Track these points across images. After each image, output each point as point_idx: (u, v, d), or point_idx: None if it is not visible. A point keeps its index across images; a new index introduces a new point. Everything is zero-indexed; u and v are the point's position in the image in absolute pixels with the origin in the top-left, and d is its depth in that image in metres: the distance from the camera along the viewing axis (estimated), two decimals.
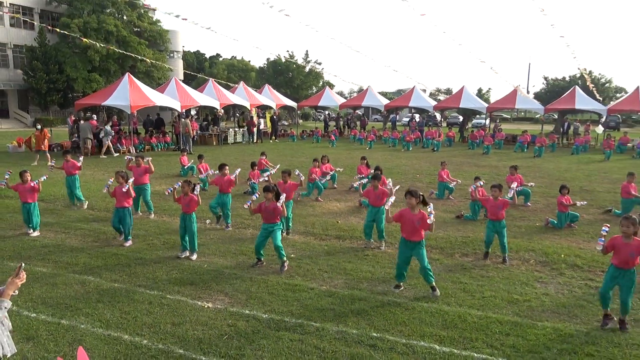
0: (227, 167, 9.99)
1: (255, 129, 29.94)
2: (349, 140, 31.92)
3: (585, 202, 11.30)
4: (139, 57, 40.37)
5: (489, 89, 77.83)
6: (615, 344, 5.32)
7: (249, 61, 68.52)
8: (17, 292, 3.56)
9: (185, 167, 16.35)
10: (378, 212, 8.59)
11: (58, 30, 30.49)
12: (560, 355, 5.10)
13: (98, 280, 7.00)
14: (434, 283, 6.61)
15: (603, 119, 32.61)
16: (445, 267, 7.71)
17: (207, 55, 74.03)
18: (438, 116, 42.91)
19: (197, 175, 15.02)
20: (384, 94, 51.46)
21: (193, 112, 32.85)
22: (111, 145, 22.68)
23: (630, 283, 5.60)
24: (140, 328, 5.56)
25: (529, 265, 7.92)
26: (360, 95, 38.58)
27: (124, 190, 8.62)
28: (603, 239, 5.73)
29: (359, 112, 43.64)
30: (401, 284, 6.85)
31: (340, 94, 61.38)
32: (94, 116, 25.84)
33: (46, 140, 19.31)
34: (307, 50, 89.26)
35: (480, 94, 51.62)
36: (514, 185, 8.66)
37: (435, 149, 26.32)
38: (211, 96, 27.71)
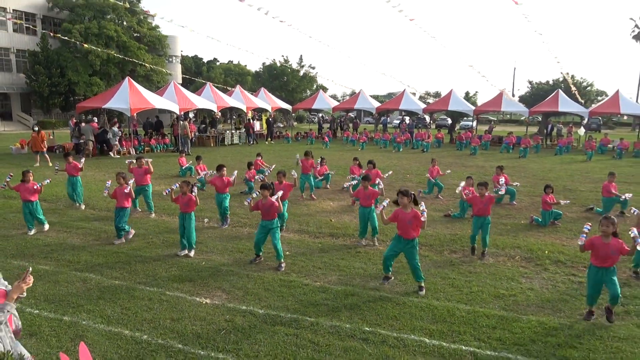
0: (224, 168, 9.96)
1: (252, 131, 29.91)
2: (342, 141, 31.93)
3: (569, 201, 11.36)
4: (139, 62, 40.17)
5: (476, 92, 78.14)
6: (597, 337, 5.36)
7: (245, 65, 68.42)
8: (24, 294, 3.48)
9: (183, 168, 16.28)
10: (370, 211, 8.61)
11: (60, 36, 30.26)
12: (545, 347, 5.12)
13: (99, 277, 6.96)
14: (422, 283, 6.62)
15: (585, 121, 32.84)
16: (434, 264, 7.73)
17: (205, 60, 73.82)
18: (427, 118, 42.94)
19: (195, 175, 14.96)
20: (376, 97, 51.55)
21: (191, 115, 32.75)
22: (119, 146, 22.69)
23: (612, 277, 5.64)
24: (140, 324, 5.54)
25: (514, 261, 7.96)
26: (352, 98, 38.60)
27: (125, 192, 8.57)
28: (585, 235, 5.77)
29: (351, 114, 43.66)
30: (390, 275, 6.88)
31: (334, 97, 61.51)
32: (95, 119, 25.68)
33: (44, 142, 19.17)
34: (301, 55, 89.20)
35: (467, 97, 51.73)
36: (502, 180, 8.70)
37: (425, 150, 26.40)
38: (209, 99, 27.63)
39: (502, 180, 8.72)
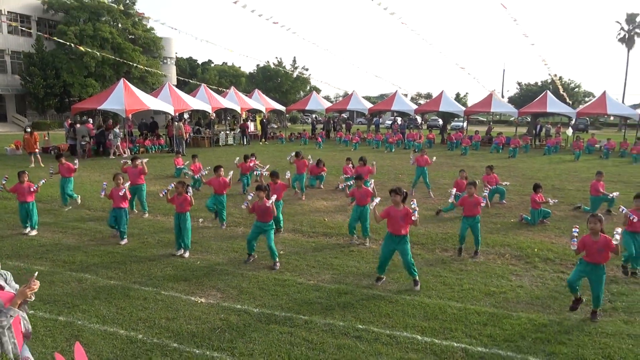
0: (222, 169, 9.92)
1: (247, 132, 29.88)
2: (334, 142, 31.93)
3: (557, 200, 11.42)
4: (133, 64, 39.94)
5: (467, 93, 78.56)
6: (586, 333, 5.39)
7: (240, 67, 68.20)
8: (32, 297, 3.38)
9: (178, 168, 16.18)
10: (363, 211, 8.62)
11: (55, 38, 30.00)
12: (535, 343, 5.15)
13: (94, 277, 6.91)
14: (417, 277, 6.65)
15: (573, 122, 33.06)
16: (426, 262, 7.75)
17: (200, 62, 73.54)
18: (419, 119, 43.05)
19: (189, 173, 14.84)
20: (368, 98, 51.63)
21: (186, 116, 32.62)
22: (120, 146, 22.64)
23: (599, 278, 5.67)
24: (135, 323, 5.50)
25: (504, 259, 7.99)
26: (345, 99, 38.60)
27: (120, 194, 8.51)
28: (575, 239, 5.78)
29: (344, 115, 43.67)
30: (382, 276, 6.89)
31: (327, 98, 61.43)
32: (90, 120, 25.51)
33: (37, 143, 19.01)
34: (294, 57, 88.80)
35: (458, 98, 51.87)
36: (486, 192, 8.61)
37: (416, 150, 26.45)
38: (203, 100, 27.53)
39: (485, 192, 8.56)
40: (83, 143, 21.91)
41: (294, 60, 58.41)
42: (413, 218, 6.39)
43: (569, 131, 31.62)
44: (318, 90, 53.72)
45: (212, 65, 71.32)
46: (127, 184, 8.89)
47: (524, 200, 12.61)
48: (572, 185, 15.36)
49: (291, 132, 38.32)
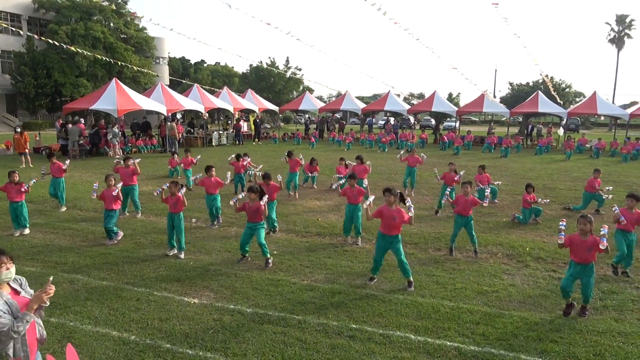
0: (213, 169, 9.89)
1: (241, 132, 29.85)
2: (328, 142, 31.94)
3: (548, 200, 11.50)
4: (125, 64, 39.69)
5: (459, 93, 78.97)
6: (577, 331, 5.44)
7: (233, 67, 68.07)
8: (48, 302, 3.33)
9: (172, 169, 16.09)
10: (355, 210, 8.62)
11: (44, 39, 29.71)
12: (527, 342, 5.18)
13: (86, 278, 6.86)
14: (411, 278, 6.67)
15: (564, 122, 33.31)
16: (419, 261, 7.77)
17: (192, 62, 73.29)
18: (412, 119, 43.19)
19: (181, 169, 14.75)
20: (361, 98, 51.67)
21: (179, 116, 32.48)
22: (118, 147, 22.60)
23: (589, 278, 5.73)
24: (128, 324, 5.47)
25: (496, 258, 8.03)
26: (338, 99, 38.63)
27: (113, 194, 8.44)
28: (563, 233, 5.85)
29: (337, 115, 43.70)
30: (375, 276, 6.90)
31: (320, 98, 61.38)
32: (82, 120, 25.33)
33: (27, 143, 18.84)
34: (287, 57, 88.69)
35: (450, 98, 52.01)
36: (487, 191, 8.75)
37: (409, 149, 26.48)
38: (196, 100, 27.43)
39: (486, 201, 8.61)
40: (81, 142, 21.89)
41: (287, 60, 58.37)
42: (410, 214, 6.41)
43: (560, 131, 31.85)
44: (311, 90, 53.83)
45: (205, 65, 71.17)
46: (120, 185, 8.83)
47: (515, 199, 12.68)
48: (563, 184, 15.47)
49: (284, 132, 38.29)
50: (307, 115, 51.99)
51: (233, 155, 12.91)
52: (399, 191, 6.72)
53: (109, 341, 5.09)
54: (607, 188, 11.35)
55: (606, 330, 5.43)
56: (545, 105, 31.26)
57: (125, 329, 5.34)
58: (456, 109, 34.93)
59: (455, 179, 10.97)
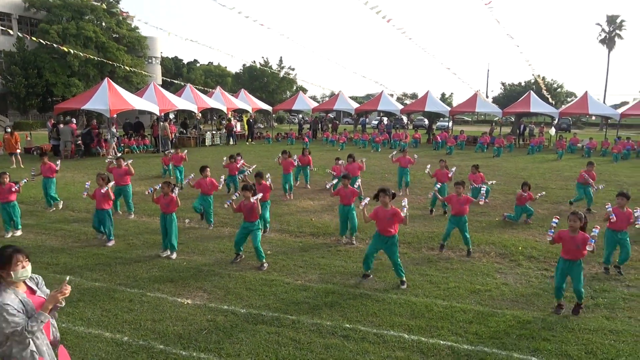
0: (208, 169, 9.84)
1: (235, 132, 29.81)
2: (321, 142, 31.93)
3: (544, 193, 11.51)
4: (117, 65, 39.44)
5: (452, 93, 79.22)
6: (569, 329, 5.48)
7: (226, 67, 67.88)
8: (63, 303, 3.28)
9: (165, 168, 15.97)
10: (349, 210, 8.63)
11: (35, 39, 29.43)
12: (519, 340, 5.21)
13: (79, 279, 6.81)
14: (404, 277, 6.70)
15: (555, 122, 33.55)
16: (412, 261, 7.79)
17: (185, 61, 72.94)
18: (405, 119, 43.28)
19: (172, 169, 14.70)
20: (354, 98, 51.60)
21: (171, 116, 32.33)
22: (115, 147, 22.56)
23: (578, 273, 5.79)
24: (121, 325, 5.44)
25: (489, 257, 8.07)
26: (332, 99, 38.63)
27: (102, 192, 8.38)
28: (552, 230, 5.92)
29: (331, 115, 43.69)
30: (369, 273, 6.91)
31: (313, 98, 61.39)
32: (73, 120, 25.15)
33: (18, 143, 18.68)
34: (281, 57, 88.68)
35: (443, 98, 52.19)
36: (483, 190, 8.79)
37: (402, 149, 26.53)
38: (189, 100, 27.31)
39: (483, 189, 8.68)
40: (78, 142, 21.82)
41: (281, 60, 58.39)
42: (402, 214, 6.43)
43: (552, 131, 32.08)
44: (305, 90, 53.76)
45: (198, 65, 70.87)
46: (111, 184, 8.75)
47: (508, 199, 12.75)
48: (555, 183, 15.58)
49: (278, 132, 38.23)
50: (300, 115, 51.99)
51: (226, 158, 12.87)
52: (393, 192, 6.74)
53: (101, 342, 5.05)
54: (600, 187, 11.45)
55: (598, 328, 5.48)
56: (537, 105, 31.44)
57: (118, 330, 5.31)
58: (449, 108, 35.05)
59: (449, 175, 11.01)
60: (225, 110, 30.27)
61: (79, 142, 22.07)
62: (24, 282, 3.30)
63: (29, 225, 9.69)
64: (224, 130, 30.40)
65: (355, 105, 37.73)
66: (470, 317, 5.73)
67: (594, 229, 5.75)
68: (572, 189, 13.65)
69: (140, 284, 6.67)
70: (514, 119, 40.20)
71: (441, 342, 5.15)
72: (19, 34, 39.13)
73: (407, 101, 45.79)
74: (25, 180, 9.39)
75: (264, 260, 7.39)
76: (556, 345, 5.11)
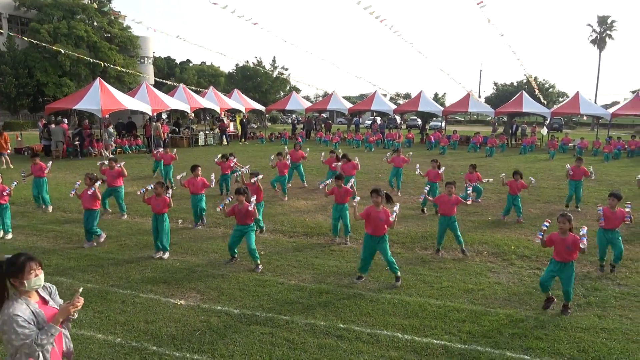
0: (199, 168, 9.81)
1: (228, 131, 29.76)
2: (315, 142, 31.93)
3: (534, 180, 11.55)
4: (108, 65, 39.18)
5: (445, 93, 79.36)
6: (561, 328, 5.52)
7: (219, 67, 67.58)
8: (75, 315, 3.16)
9: (156, 161, 15.69)
10: (343, 209, 8.65)
11: (25, 38, 29.17)
12: (512, 339, 5.24)
13: (71, 281, 6.76)
14: (398, 274, 6.75)
15: (547, 121, 33.76)
16: (406, 260, 7.81)
17: (178, 61, 72.58)
18: (398, 119, 43.37)
19: (161, 169, 14.63)
20: (348, 98, 51.65)
21: (164, 116, 32.18)
22: (113, 146, 22.62)
23: (569, 276, 5.84)
24: (113, 327, 5.40)
25: (482, 256, 8.11)
26: (325, 99, 38.63)
27: (89, 193, 8.30)
28: (542, 233, 5.96)
29: (324, 115, 43.68)
30: (363, 275, 6.93)
31: (307, 98, 61.31)
32: (65, 120, 24.96)
33: (8, 143, 18.51)
34: (274, 57, 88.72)
35: (436, 98, 52.37)
36: (469, 190, 8.77)
37: (395, 149, 26.59)
38: (182, 100, 27.20)
39: (469, 199, 8.69)
40: (76, 143, 21.70)
41: (274, 60, 58.36)
42: (390, 219, 6.45)
43: (544, 130, 32.28)
44: (298, 90, 53.65)
45: (191, 64, 70.53)
46: (98, 184, 8.57)
47: (500, 198, 12.82)
48: (547, 183, 15.69)
49: (271, 132, 38.16)
50: (294, 115, 51.93)
51: (219, 156, 12.83)
52: (386, 192, 6.75)
53: (94, 344, 5.02)
54: (592, 176, 11.57)
55: (589, 327, 5.53)
56: (529, 105, 31.63)
57: (110, 332, 5.28)
58: (442, 108, 35.16)
59: (440, 172, 11.06)
60: (218, 110, 30.19)
61: (76, 142, 21.92)
62: (37, 292, 3.16)
63: (20, 226, 9.61)
64: (217, 130, 30.32)
65: (349, 105, 37.77)
66: (464, 316, 5.76)
67: (582, 229, 5.80)
68: (563, 189, 13.75)
69: (133, 285, 6.64)
70: (506, 119, 40.41)
71: (435, 341, 5.17)
72: (9, 33, 38.79)
73: (401, 101, 45.89)
74: (16, 183, 9.31)
75: (259, 262, 7.36)
76: (548, 343, 5.14)
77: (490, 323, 5.60)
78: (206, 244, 8.63)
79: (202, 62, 69.82)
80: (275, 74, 55.81)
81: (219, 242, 8.64)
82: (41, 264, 3.14)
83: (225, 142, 29.31)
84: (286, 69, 58.55)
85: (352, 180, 9.52)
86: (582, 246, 5.59)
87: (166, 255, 7.80)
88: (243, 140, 32.11)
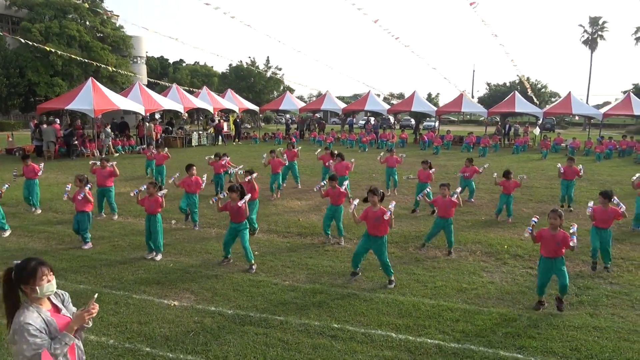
0: (194, 168, 9.78)
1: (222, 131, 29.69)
2: (308, 142, 31.93)
3: (525, 176, 11.55)
4: (100, 65, 38.95)
5: (438, 93, 79.60)
6: (554, 326, 5.55)
7: (212, 67, 67.39)
8: (90, 323, 2.98)
9: (149, 160, 15.60)
10: (337, 211, 8.65)
11: (16, 38, 28.93)
12: (506, 338, 5.27)
13: (63, 282, 6.70)
14: (392, 277, 6.74)
15: (540, 121, 33.97)
16: (400, 260, 7.83)
17: (171, 61, 72.29)
18: (392, 119, 43.45)
19: (152, 168, 14.58)
20: (342, 98, 51.69)
21: (157, 116, 32.05)
22: (112, 146, 22.65)
23: (561, 270, 5.87)
24: (106, 328, 5.37)
25: (475, 256, 8.15)
26: (319, 99, 38.61)
27: (79, 197, 8.22)
28: (531, 227, 6.01)
29: (318, 115, 43.68)
30: (357, 271, 6.93)
31: (300, 98, 61.28)
32: (57, 120, 24.78)
33: None
34: (268, 57, 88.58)
35: (430, 98, 52.54)
36: (458, 190, 8.79)
37: (389, 149, 26.63)
38: (175, 100, 27.10)
39: (458, 190, 8.71)
40: (75, 143, 21.59)
41: (267, 60, 58.28)
42: (385, 217, 6.45)
43: (537, 130, 32.47)
44: (292, 90, 53.63)
45: (184, 64, 70.26)
46: (88, 187, 8.49)
47: (493, 197, 12.88)
48: (540, 182, 15.78)
49: (265, 132, 38.11)
50: (287, 115, 51.85)
51: (212, 155, 12.80)
52: (382, 192, 6.77)
53: (86, 346, 4.97)
54: (580, 173, 11.62)
55: (582, 326, 5.56)
56: (521, 105, 31.81)
57: (103, 333, 5.25)
58: (435, 108, 35.28)
59: (431, 171, 11.08)
60: (211, 110, 30.10)
61: (75, 142, 21.78)
62: (49, 299, 3.01)
63: (11, 227, 9.51)
64: (212, 130, 30.23)
65: (343, 105, 37.78)
66: (457, 316, 5.78)
67: (572, 226, 5.84)
68: (556, 188, 13.84)
69: (126, 286, 6.60)
70: (499, 119, 40.63)
71: (428, 340, 5.18)
72: (0, 32, 38.45)
73: (394, 101, 46.01)
74: (7, 185, 9.23)
75: (253, 262, 7.33)
76: (541, 342, 5.17)
77: (483, 322, 5.63)
78: (199, 244, 8.60)
79: (195, 62, 69.53)
80: (268, 74, 55.77)
81: (212, 243, 8.62)
82: (52, 269, 2.99)
83: (220, 143, 29.22)
84: (280, 69, 58.60)
85: (346, 182, 9.52)
86: (572, 244, 5.63)
87: (159, 257, 7.76)
88: (237, 140, 32.04)
